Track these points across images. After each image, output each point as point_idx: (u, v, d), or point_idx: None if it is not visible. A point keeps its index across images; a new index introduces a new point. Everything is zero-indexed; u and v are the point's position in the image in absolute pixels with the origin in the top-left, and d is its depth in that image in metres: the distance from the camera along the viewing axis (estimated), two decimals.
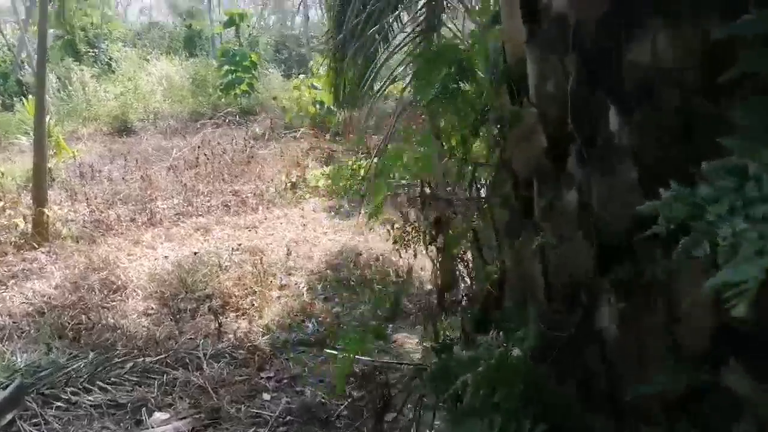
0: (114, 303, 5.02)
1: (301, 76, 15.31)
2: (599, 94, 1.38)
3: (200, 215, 8.05)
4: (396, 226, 6.19)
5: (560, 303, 1.56)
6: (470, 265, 3.24)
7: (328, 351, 3.76)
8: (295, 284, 5.13)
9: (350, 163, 9.27)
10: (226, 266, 5.65)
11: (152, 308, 4.94)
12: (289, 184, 9.18)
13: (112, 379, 3.78)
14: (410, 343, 4.07)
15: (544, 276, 1.61)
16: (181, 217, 8.16)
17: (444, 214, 2.87)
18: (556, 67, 1.52)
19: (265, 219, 7.50)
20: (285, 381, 3.68)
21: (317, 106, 13.31)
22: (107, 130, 15.38)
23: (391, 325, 4.37)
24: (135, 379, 3.78)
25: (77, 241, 7.11)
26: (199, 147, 10.88)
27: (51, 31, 22.53)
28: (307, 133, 11.64)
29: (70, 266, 5.98)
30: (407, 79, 4.70)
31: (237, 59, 17.77)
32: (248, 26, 22.29)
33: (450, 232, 2.90)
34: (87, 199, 8.42)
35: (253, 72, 17.95)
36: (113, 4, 28.40)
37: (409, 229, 4.55)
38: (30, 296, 5.21)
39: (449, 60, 2.12)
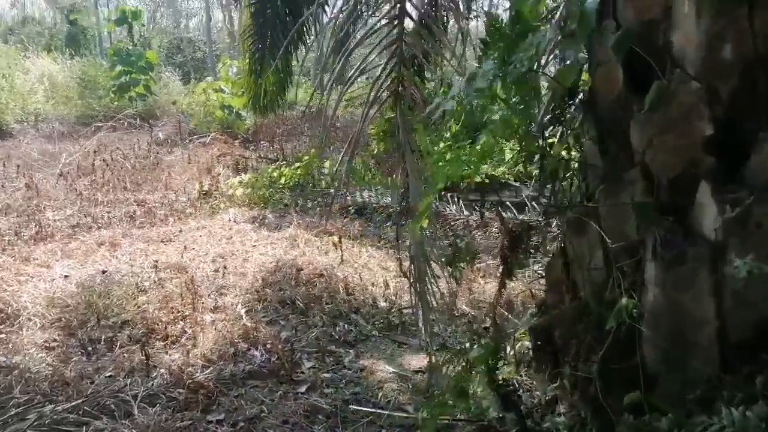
0: (3, 336, 4.05)
1: (208, 79, 14.27)
2: None
3: (102, 227, 7.01)
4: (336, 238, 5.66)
5: (739, 353, 1.14)
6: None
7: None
8: (231, 305, 4.41)
9: (270, 170, 8.56)
10: (145, 287, 4.81)
11: (55, 340, 4.02)
12: (201, 193, 8.31)
13: None
14: (381, 371, 3.53)
15: (718, 317, 1.17)
16: (77, 230, 7.06)
17: (520, 226, 2.39)
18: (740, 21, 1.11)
19: (180, 231, 6.62)
20: (241, 425, 3.01)
21: (225, 110, 12.40)
22: None
23: (352, 351, 3.81)
24: None
25: None
26: (95, 152, 9.64)
27: None
28: (216, 138, 10.73)
29: None
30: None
31: (132, 59, 16.32)
32: (141, 25, 20.65)
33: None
34: None
35: (150, 74, 16.57)
36: None
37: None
38: None
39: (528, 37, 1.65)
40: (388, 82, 3.37)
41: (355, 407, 3.11)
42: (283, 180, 8.35)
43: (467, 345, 2.38)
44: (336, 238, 5.48)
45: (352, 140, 3.40)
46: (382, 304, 4.45)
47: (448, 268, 3.47)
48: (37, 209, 7.85)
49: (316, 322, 4.15)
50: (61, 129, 14.51)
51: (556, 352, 2.25)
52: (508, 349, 2.70)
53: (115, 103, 16.38)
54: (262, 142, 12.34)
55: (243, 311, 4.27)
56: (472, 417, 2.48)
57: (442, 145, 8.46)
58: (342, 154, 3.49)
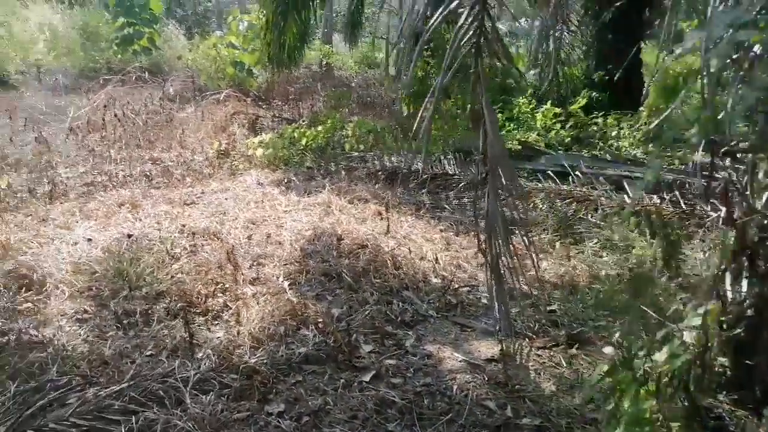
0: (30, 305, 3.68)
1: (218, 33, 13.57)
2: None
3: (119, 187, 6.58)
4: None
5: None
6: None
7: None
8: (272, 277, 4.05)
9: (290, 131, 8.09)
10: (176, 254, 4.43)
11: (86, 311, 3.65)
12: (219, 153, 7.85)
13: (51, 426, 2.58)
14: (449, 358, 3.20)
15: None
16: (92, 188, 6.63)
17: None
18: None
19: (202, 193, 6.21)
20: (306, 420, 2.68)
21: (236, 67, 11.80)
22: None
23: (411, 333, 3.47)
24: (86, 425, 2.60)
25: None
26: (105, 107, 9.09)
27: None
28: (230, 96, 10.18)
29: None
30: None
31: (135, 10, 15.52)
32: None
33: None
34: None
35: (154, 26, 15.79)
36: None
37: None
38: None
39: None
40: (470, 33, 2.94)
41: (430, 401, 2.77)
42: (304, 141, 7.90)
43: (638, 346, 1.92)
44: (378, 207, 5.09)
45: (435, 92, 2.97)
46: (434, 280, 4.09)
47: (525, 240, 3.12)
48: (49, 165, 7.39)
49: (367, 298, 3.80)
50: (64, 81, 13.85)
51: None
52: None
53: (119, 56, 15.66)
54: (274, 101, 11.79)
55: (286, 284, 3.91)
56: None
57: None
58: (422, 109, 3.07)
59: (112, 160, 7.77)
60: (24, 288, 3.85)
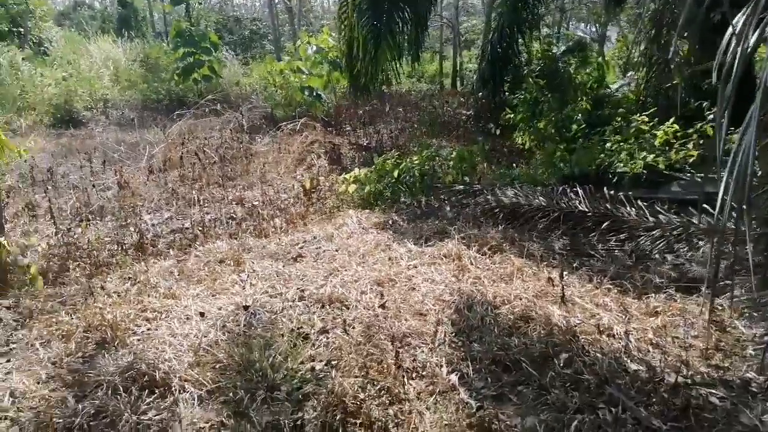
0: (156, 413, 2.96)
1: (286, 59, 13.01)
2: None
3: (208, 232, 5.93)
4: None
5: None
6: None
7: None
8: (430, 366, 3.25)
9: (380, 163, 7.32)
10: (305, 332, 3.68)
11: (223, 424, 2.92)
12: (308, 191, 7.14)
13: None
14: None
15: None
16: (180, 236, 6.00)
17: None
18: None
19: (305, 242, 5.47)
20: None
21: (305, 92, 11.16)
22: (49, 121, 12.52)
23: None
24: None
25: (51, 282, 4.88)
26: (183, 144, 8.53)
27: None
28: (309, 124, 9.51)
29: (54, 335, 3.82)
30: None
31: (195, 40, 15.11)
32: (199, 3, 19.39)
33: None
34: (52, 216, 6.06)
35: (214, 54, 15.36)
36: None
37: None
38: (6, 406, 3.04)
39: None
40: None
41: None
42: (396, 173, 7.10)
43: None
44: (517, 258, 4.24)
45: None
46: (633, 367, 3.20)
47: None
48: (133, 211, 6.82)
49: (563, 400, 2.94)
50: (130, 115, 13.51)
51: None
52: None
53: (180, 85, 15.28)
54: (344, 126, 11.09)
55: (454, 378, 3.10)
56: None
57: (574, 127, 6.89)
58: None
59: (195, 202, 7.15)
60: (146, 390, 3.15)
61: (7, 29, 17.35)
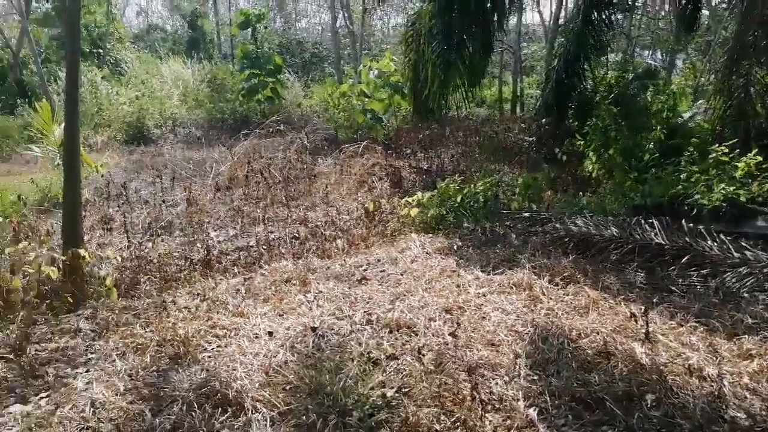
0: None
1: (350, 81, 13.22)
2: None
3: (272, 251, 5.99)
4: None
5: None
6: None
7: None
8: (507, 399, 3.12)
9: (443, 187, 7.25)
10: (374, 357, 3.62)
11: None
12: (371, 213, 7.14)
13: None
14: None
15: None
16: (246, 255, 6.08)
17: None
18: None
19: (368, 265, 5.45)
20: None
21: (367, 115, 11.27)
22: (122, 138, 13.11)
23: None
24: None
25: (123, 294, 5.02)
26: (248, 163, 8.74)
27: (45, 30, 20.01)
28: (370, 147, 9.58)
29: (129, 347, 3.89)
30: None
31: (260, 62, 15.61)
32: (265, 27, 20.04)
33: None
34: (126, 230, 6.28)
35: (278, 76, 15.79)
36: (115, 3, 25.79)
37: None
38: (87, 416, 3.10)
39: None
40: None
41: None
42: (459, 198, 7.01)
43: None
44: (591, 289, 4.06)
45: None
46: (732, 414, 2.97)
47: None
48: (200, 228, 6.99)
49: None
50: (196, 133, 14.01)
51: None
52: None
53: (244, 106, 15.78)
54: (404, 149, 11.11)
55: (533, 413, 2.96)
56: None
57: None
58: None
59: (260, 220, 7.27)
60: (219, 408, 3.15)
61: (88, 50, 18.46)
